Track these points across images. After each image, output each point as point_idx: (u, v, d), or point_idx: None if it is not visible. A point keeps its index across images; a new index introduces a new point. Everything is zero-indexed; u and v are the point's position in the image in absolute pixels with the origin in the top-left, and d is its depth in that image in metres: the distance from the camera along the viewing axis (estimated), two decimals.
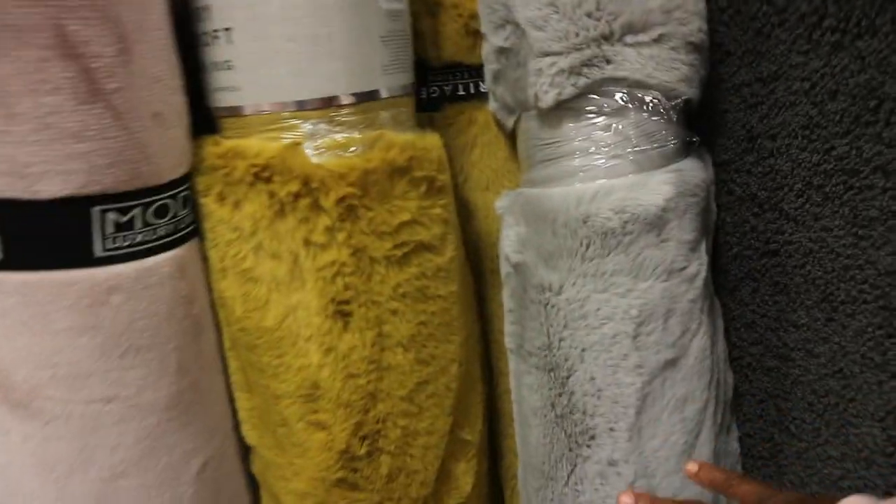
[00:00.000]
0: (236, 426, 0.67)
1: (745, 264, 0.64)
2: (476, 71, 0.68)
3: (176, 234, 0.57)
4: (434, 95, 0.69)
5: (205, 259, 0.60)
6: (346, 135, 0.55)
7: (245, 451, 0.68)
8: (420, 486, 0.65)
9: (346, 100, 0.55)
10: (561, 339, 0.61)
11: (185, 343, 0.59)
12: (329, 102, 0.55)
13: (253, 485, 0.69)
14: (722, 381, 0.65)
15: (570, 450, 0.62)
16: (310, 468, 0.62)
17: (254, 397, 0.64)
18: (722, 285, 0.67)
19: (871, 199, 0.48)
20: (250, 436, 0.66)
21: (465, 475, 0.69)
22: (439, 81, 0.69)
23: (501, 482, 0.78)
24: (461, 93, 0.69)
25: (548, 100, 0.58)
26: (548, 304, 0.61)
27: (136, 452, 0.56)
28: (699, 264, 0.60)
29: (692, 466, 0.48)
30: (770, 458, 0.65)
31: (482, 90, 0.68)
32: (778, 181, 0.57)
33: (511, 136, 0.69)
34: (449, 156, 0.68)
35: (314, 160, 0.54)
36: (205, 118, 0.60)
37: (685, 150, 0.62)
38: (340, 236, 0.55)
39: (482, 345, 0.73)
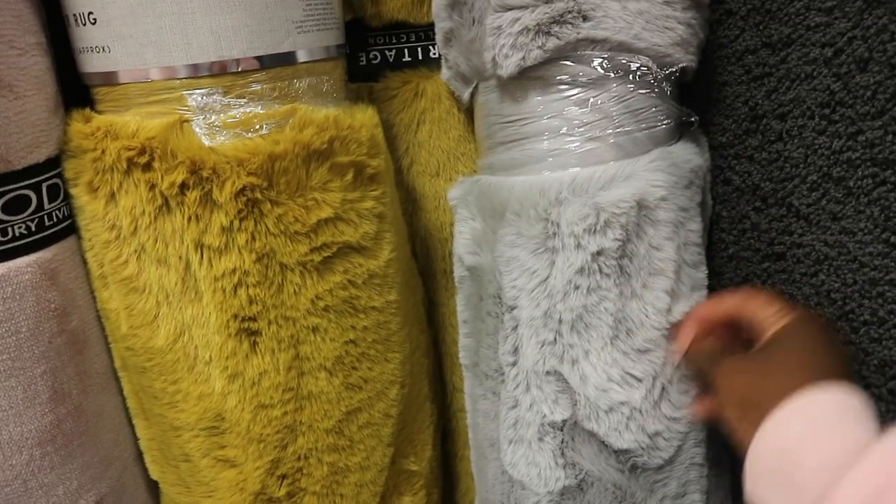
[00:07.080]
0: (141, 453, 0.57)
1: (742, 267, 0.54)
2: (425, 32, 0.56)
3: (41, 232, 0.46)
4: (374, 62, 0.58)
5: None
6: (247, 109, 0.44)
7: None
8: None
9: (248, 64, 0.44)
10: None
11: (59, 364, 0.49)
12: (225, 67, 0.43)
13: None
14: None
15: None
16: None
17: (152, 426, 0.53)
18: (714, 291, 0.56)
19: None
20: (152, 469, 0.56)
21: None
22: (380, 45, 0.57)
23: None
24: (407, 58, 0.57)
25: (509, 66, 0.47)
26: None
27: (1, 497, 0.48)
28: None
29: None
30: None
31: (432, 56, 0.57)
32: (787, 171, 0.48)
33: (467, 112, 0.58)
34: (391, 135, 0.57)
35: (205, 142, 0.43)
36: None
37: (678, 132, 0.51)
38: (241, 238, 0.43)
39: (433, 357, 0.63)
